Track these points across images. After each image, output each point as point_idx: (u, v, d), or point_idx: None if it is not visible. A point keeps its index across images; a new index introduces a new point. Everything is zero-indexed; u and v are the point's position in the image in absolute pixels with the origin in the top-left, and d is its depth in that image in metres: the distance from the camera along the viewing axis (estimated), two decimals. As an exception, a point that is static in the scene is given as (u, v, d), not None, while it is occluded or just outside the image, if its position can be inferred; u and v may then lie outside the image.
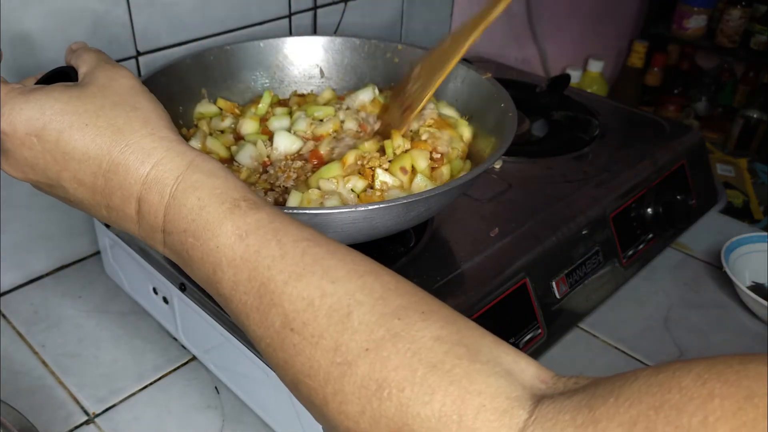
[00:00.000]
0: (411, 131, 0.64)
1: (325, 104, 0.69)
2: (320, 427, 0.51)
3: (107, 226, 0.68)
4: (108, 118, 0.40)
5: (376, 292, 0.33)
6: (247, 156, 0.62)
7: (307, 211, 0.49)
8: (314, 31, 0.91)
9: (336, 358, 0.32)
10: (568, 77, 0.93)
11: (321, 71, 0.76)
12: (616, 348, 0.69)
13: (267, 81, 0.75)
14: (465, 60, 0.70)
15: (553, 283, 0.65)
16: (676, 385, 0.24)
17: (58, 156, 0.40)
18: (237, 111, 0.69)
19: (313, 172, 0.60)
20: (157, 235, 0.40)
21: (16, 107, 0.40)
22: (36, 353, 0.66)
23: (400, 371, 0.30)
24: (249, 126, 0.65)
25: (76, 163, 0.40)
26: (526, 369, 0.30)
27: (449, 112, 0.68)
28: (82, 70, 0.45)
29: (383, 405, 0.30)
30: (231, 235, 0.36)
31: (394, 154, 0.61)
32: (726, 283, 0.78)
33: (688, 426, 0.22)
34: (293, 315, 0.33)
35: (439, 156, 0.62)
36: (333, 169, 0.58)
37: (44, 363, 0.65)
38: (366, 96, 0.69)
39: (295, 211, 0.49)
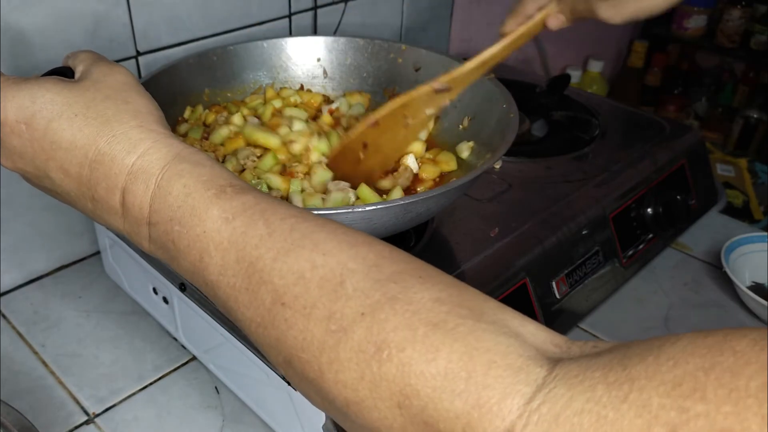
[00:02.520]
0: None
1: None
2: (320, 426, 0.51)
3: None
4: (98, 110, 0.40)
5: (369, 260, 0.32)
6: None
7: (307, 212, 0.49)
8: (314, 31, 0.91)
9: (330, 326, 0.30)
10: (568, 77, 0.93)
11: (324, 71, 0.76)
12: (616, 348, 0.69)
13: (270, 81, 0.75)
14: (465, 60, 0.70)
15: (553, 283, 0.65)
16: (729, 349, 0.22)
17: (45, 145, 0.40)
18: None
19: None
20: (143, 228, 0.39)
21: (8, 95, 0.41)
22: (36, 353, 0.66)
23: (399, 332, 0.28)
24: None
25: (63, 152, 0.40)
26: (536, 333, 0.29)
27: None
28: (79, 69, 0.45)
29: (383, 367, 0.28)
30: (217, 219, 0.36)
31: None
32: (726, 283, 0.78)
33: (745, 389, 0.20)
34: (284, 290, 0.32)
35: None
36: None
37: (44, 363, 0.65)
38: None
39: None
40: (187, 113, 0.68)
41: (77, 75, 0.45)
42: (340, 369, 0.30)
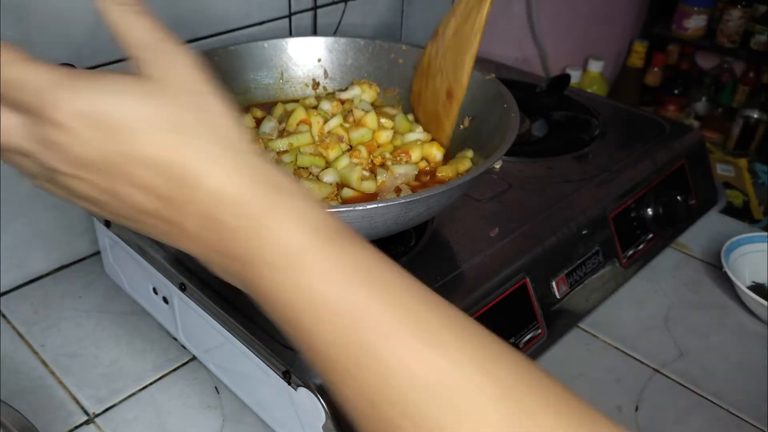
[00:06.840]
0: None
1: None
2: (320, 426, 0.51)
3: (107, 225, 0.68)
4: (177, 122, 0.33)
5: (501, 380, 0.29)
6: None
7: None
8: (314, 31, 0.91)
9: None
10: (568, 77, 0.93)
11: (325, 72, 0.76)
12: (616, 348, 0.70)
13: (271, 81, 0.75)
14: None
15: (553, 283, 0.66)
16: None
17: (120, 157, 0.33)
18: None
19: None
20: (228, 262, 0.34)
21: (80, 94, 0.33)
22: (36, 353, 0.66)
23: None
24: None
25: (141, 168, 0.33)
26: None
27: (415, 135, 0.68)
28: (143, 57, 0.37)
29: None
30: (321, 274, 0.31)
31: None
32: (726, 283, 0.78)
33: None
34: (395, 389, 0.29)
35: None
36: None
37: (44, 363, 0.65)
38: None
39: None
40: None
41: (142, 66, 0.36)
42: None
